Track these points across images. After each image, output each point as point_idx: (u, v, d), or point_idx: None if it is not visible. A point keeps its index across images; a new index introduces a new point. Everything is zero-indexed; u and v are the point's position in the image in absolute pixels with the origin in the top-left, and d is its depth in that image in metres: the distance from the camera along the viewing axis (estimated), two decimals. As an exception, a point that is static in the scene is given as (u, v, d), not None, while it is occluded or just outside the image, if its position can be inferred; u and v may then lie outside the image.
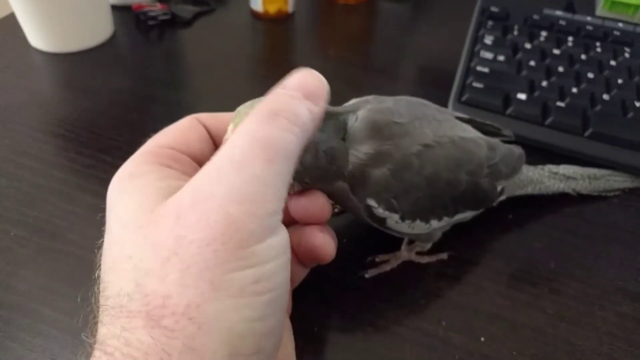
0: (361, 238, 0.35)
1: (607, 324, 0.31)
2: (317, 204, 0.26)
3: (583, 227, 0.37)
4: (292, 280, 0.29)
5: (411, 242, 0.34)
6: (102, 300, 0.20)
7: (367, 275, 0.32)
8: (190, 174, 0.24)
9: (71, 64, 0.51)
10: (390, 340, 0.29)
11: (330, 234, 0.27)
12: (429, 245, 0.33)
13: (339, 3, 0.63)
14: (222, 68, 0.51)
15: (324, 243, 0.26)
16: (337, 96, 0.30)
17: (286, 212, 0.27)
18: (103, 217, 0.22)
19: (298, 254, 0.27)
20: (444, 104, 0.44)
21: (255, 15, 0.60)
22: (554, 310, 0.31)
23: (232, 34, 0.57)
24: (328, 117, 0.25)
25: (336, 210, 0.36)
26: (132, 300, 0.19)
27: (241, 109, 0.25)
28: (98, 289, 0.21)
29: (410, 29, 0.60)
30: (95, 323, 0.20)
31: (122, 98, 0.47)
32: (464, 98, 0.44)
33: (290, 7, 0.60)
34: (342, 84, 0.48)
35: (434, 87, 0.49)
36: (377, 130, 0.27)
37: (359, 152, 0.26)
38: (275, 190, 0.20)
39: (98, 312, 0.20)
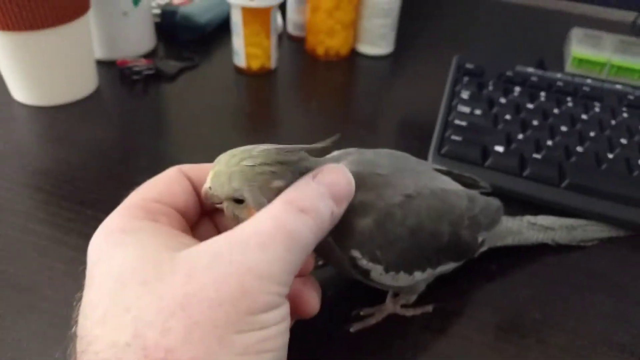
0: (346, 290, 0.34)
1: (595, 375, 0.30)
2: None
3: (565, 276, 0.37)
4: None
5: (396, 294, 0.33)
6: (87, 356, 0.19)
7: (352, 329, 0.32)
8: (178, 228, 0.24)
9: (54, 117, 0.51)
10: (378, 397, 0.28)
11: (314, 287, 0.27)
12: (414, 298, 0.33)
13: (320, 60, 0.66)
14: (205, 121, 0.52)
15: (308, 299, 0.26)
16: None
17: None
18: (84, 270, 0.22)
19: None
20: (424, 156, 0.45)
21: (238, 70, 0.61)
22: (541, 363, 0.31)
23: (216, 88, 0.58)
24: (311, 166, 0.26)
25: (320, 262, 0.36)
26: (128, 352, 0.18)
27: (221, 157, 0.25)
28: (74, 346, 0.20)
29: (390, 84, 0.62)
30: None
31: (105, 150, 0.47)
32: (443, 150, 0.45)
33: (272, 63, 0.61)
34: (324, 137, 0.49)
35: (414, 140, 0.50)
36: (360, 181, 0.27)
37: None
38: (288, 274, 0.22)
39: None
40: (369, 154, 0.29)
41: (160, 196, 0.25)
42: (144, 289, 0.20)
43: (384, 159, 0.29)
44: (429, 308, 0.33)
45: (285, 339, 0.23)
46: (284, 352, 0.22)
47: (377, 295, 0.33)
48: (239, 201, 0.25)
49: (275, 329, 0.21)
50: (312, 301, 0.27)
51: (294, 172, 0.25)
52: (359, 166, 0.28)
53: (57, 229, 0.37)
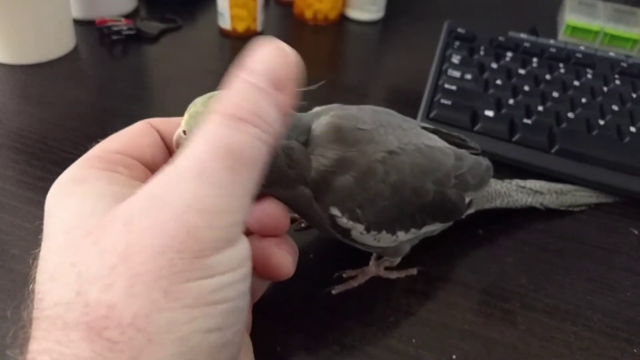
0: (328, 253, 0.33)
1: (580, 339, 0.30)
2: (272, 214, 0.25)
3: (553, 243, 0.36)
4: (252, 294, 0.27)
5: (379, 257, 0.32)
6: (36, 313, 0.18)
7: (334, 292, 0.31)
8: (141, 180, 0.23)
9: (29, 76, 0.49)
10: (358, 359, 0.28)
11: (289, 249, 0.25)
12: (397, 260, 0.32)
13: (308, 24, 0.64)
14: (187, 84, 0.50)
15: (280, 261, 0.24)
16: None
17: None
18: (41, 224, 0.21)
19: (255, 268, 0.26)
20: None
21: (223, 33, 0.59)
22: (526, 327, 0.30)
23: (199, 51, 0.56)
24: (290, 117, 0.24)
25: (302, 225, 0.35)
26: (69, 310, 0.17)
27: (197, 100, 0.24)
28: (31, 302, 0.19)
29: (380, 50, 0.61)
30: (27, 338, 0.18)
31: (81, 111, 0.45)
32: (432, 114, 0.43)
33: (259, 26, 0.59)
34: (311, 103, 0.48)
35: (403, 105, 0.49)
36: (341, 135, 0.26)
37: (323, 157, 0.25)
38: (239, 201, 0.19)
39: (30, 326, 0.18)
40: (352, 109, 0.28)
41: (124, 147, 0.23)
42: (88, 242, 0.18)
43: (368, 114, 0.28)
44: (414, 271, 0.33)
45: (244, 287, 0.20)
46: (241, 302, 0.20)
47: (361, 257, 0.32)
48: None
49: (231, 276, 0.19)
50: (285, 263, 0.24)
51: None
52: (341, 120, 0.26)
53: (27, 188, 0.36)
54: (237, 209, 0.19)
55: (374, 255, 0.32)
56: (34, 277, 0.20)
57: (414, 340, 0.29)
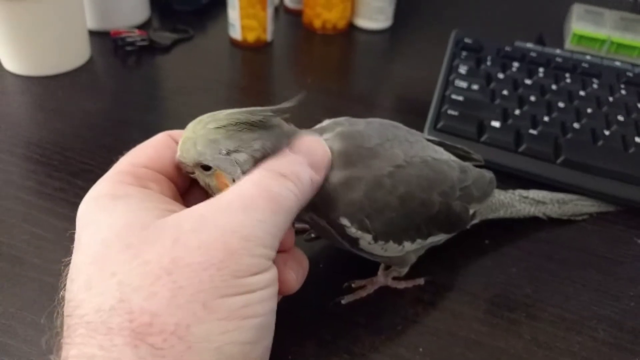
0: (338, 263, 0.34)
1: (584, 349, 0.30)
2: None
3: (558, 252, 0.37)
4: None
5: (388, 267, 0.33)
6: (72, 320, 0.19)
7: (343, 301, 0.32)
8: (168, 194, 0.24)
9: (45, 88, 0.50)
10: (367, 367, 0.29)
11: (295, 265, 0.26)
12: (405, 270, 0.33)
13: (317, 33, 0.65)
14: (199, 94, 0.51)
15: (285, 277, 0.25)
16: (315, 123, 0.31)
17: None
18: (72, 234, 0.22)
19: None
20: (420, 130, 0.44)
21: (234, 43, 0.60)
22: (531, 336, 0.31)
23: (211, 61, 0.57)
24: (289, 134, 0.26)
25: (312, 235, 0.36)
26: (113, 316, 0.18)
27: (190, 124, 0.25)
28: (62, 309, 0.20)
29: (388, 59, 0.61)
30: (61, 346, 0.19)
31: (96, 121, 0.46)
32: (439, 125, 0.44)
33: (269, 36, 0.60)
34: (320, 112, 0.49)
35: (411, 115, 0.50)
36: (347, 157, 0.27)
37: (328, 179, 0.26)
38: (273, 237, 0.22)
39: (64, 333, 0.19)
40: (358, 124, 0.29)
41: (150, 162, 0.25)
42: (129, 254, 0.19)
43: (374, 129, 0.29)
44: (421, 281, 0.33)
45: (271, 305, 0.22)
46: (270, 319, 0.22)
47: (369, 267, 0.33)
48: (207, 168, 0.24)
49: (261, 294, 0.21)
50: (288, 280, 0.26)
51: (267, 137, 0.24)
52: (346, 140, 0.27)
53: (47, 199, 0.37)
54: (270, 243, 0.22)
55: (382, 265, 0.33)
56: (64, 285, 0.21)
57: (421, 349, 0.30)
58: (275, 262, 0.25)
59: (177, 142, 0.26)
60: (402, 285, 0.33)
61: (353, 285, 0.33)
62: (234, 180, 0.24)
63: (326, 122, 0.30)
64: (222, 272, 0.20)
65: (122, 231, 0.20)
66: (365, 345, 0.30)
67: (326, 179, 0.26)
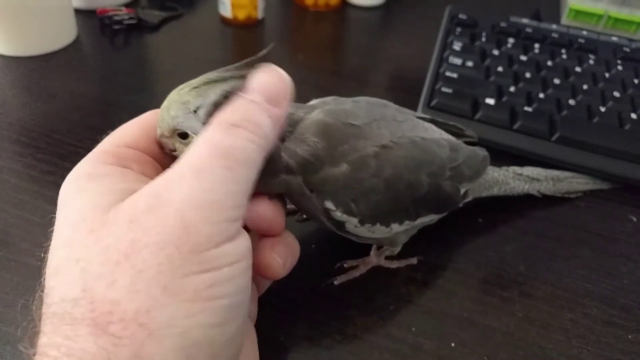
0: (330, 244, 0.34)
1: (577, 326, 0.30)
2: (265, 217, 0.25)
3: (552, 230, 0.37)
4: (257, 287, 0.27)
5: (380, 247, 0.33)
6: (44, 308, 0.19)
7: (336, 282, 0.32)
8: (151, 175, 0.23)
9: (31, 68, 0.49)
10: (359, 347, 0.28)
11: (282, 250, 0.25)
12: (397, 249, 0.32)
13: (309, 10, 0.63)
14: (189, 74, 0.49)
15: (268, 262, 0.25)
16: (305, 102, 0.30)
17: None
18: (53, 218, 0.21)
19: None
20: (413, 108, 0.44)
21: (224, 21, 0.59)
22: (524, 314, 0.31)
23: (201, 39, 0.56)
24: None
25: (304, 216, 0.35)
26: (77, 307, 0.18)
27: (172, 94, 0.24)
28: (41, 296, 0.20)
29: (381, 36, 0.60)
30: (36, 332, 0.19)
31: (84, 103, 0.45)
32: (433, 103, 0.44)
33: (259, 14, 0.59)
34: (312, 91, 0.48)
35: (404, 93, 0.49)
36: (329, 132, 0.26)
37: (306, 145, 0.25)
38: (235, 198, 0.20)
39: (39, 320, 0.19)
40: (346, 103, 0.28)
41: (135, 141, 0.24)
42: (91, 238, 0.19)
43: (361, 108, 0.28)
44: (414, 260, 0.33)
45: (242, 282, 0.20)
46: (241, 297, 0.21)
47: (362, 247, 0.33)
48: (184, 136, 0.23)
49: (228, 271, 0.19)
50: (273, 265, 0.25)
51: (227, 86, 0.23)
52: (332, 116, 0.26)
53: (34, 182, 0.36)
54: (233, 206, 0.20)
55: (375, 245, 0.33)
56: (45, 271, 0.20)
57: (413, 329, 0.30)
58: (261, 246, 0.25)
59: None
60: (394, 265, 0.33)
61: (345, 265, 0.32)
62: None
63: (313, 102, 0.29)
64: (181, 250, 0.18)
65: (88, 214, 0.19)
66: (357, 325, 0.29)
67: (304, 143, 0.25)
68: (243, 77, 0.23)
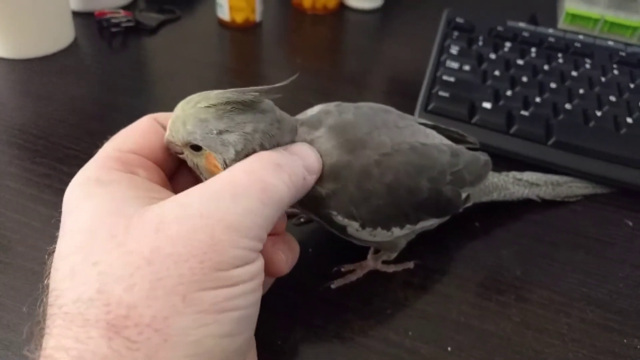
0: (327, 247, 0.34)
1: (573, 330, 0.31)
2: None
3: (548, 234, 0.37)
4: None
5: (377, 251, 0.33)
6: (52, 310, 0.19)
7: (333, 286, 0.32)
8: (156, 181, 0.24)
9: (29, 71, 0.49)
10: (356, 352, 0.28)
11: (285, 248, 0.26)
12: (395, 254, 0.33)
13: (307, 13, 0.63)
14: (187, 77, 0.50)
15: (272, 258, 0.25)
16: (305, 105, 0.30)
17: None
18: (58, 221, 0.21)
19: None
20: (411, 112, 0.44)
21: (222, 23, 0.59)
22: (520, 318, 0.31)
23: (199, 42, 0.56)
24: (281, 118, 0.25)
25: (302, 219, 0.35)
26: (91, 307, 0.18)
27: (180, 103, 0.24)
28: (46, 298, 0.20)
29: (378, 39, 0.61)
30: (42, 335, 0.19)
31: (81, 105, 0.45)
32: (430, 107, 0.44)
33: (257, 16, 0.59)
34: (310, 94, 0.48)
35: (402, 97, 0.49)
36: (338, 173, 0.26)
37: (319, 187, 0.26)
38: (260, 229, 0.21)
39: (45, 323, 0.19)
40: (349, 111, 0.28)
41: (137, 147, 0.24)
42: (112, 243, 0.19)
43: (363, 116, 0.28)
44: (410, 265, 0.33)
45: (255, 297, 0.22)
46: (252, 311, 0.22)
47: (359, 251, 0.33)
48: (197, 148, 0.24)
49: (243, 287, 0.20)
50: (278, 261, 0.26)
51: (260, 121, 0.24)
52: (338, 135, 0.27)
53: (32, 185, 0.36)
54: (258, 235, 0.21)
55: (372, 249, 0.33)
56: (49, 273, 0.20)
57: (410, 333, 0.30)
58: (264, 244, 0.25)
59: (162, 126, 0.26)
60: (391, 269, 0.33)
61: (343, 269, 0.32)
62: (225, 162, 0.23)
63: (316, 108, 0.29)
64: (204, 265, 0.19)
65: (107, 219, 0.20)
66: (354, 329, 0.30)
67: (324, 189, 0.26)
68: (261, 102, 0.24)
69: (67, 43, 0.53)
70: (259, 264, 0.22)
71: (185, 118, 0.23)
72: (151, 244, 0.19)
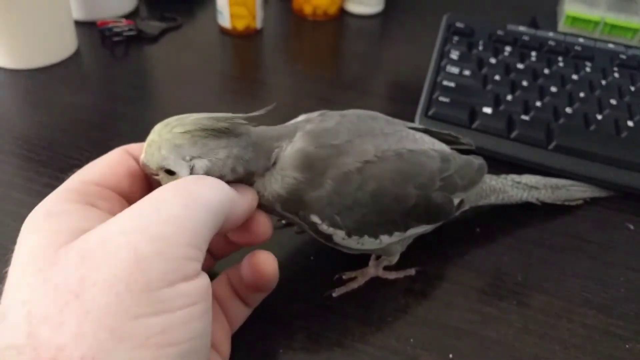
0: (328, 255, 0.34)
1: (574, 336, 0.31)
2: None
3: (549, 238, 0.37)
4: (232, 322, 0.27)
5: (378, 257, 0.33)
6: None
7: (334, 294, 0.32)
8: (117, 212, 0.22)
9: (32, 81, 0.49)
10: (357, 359, 0.29)
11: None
12: (395, 259, 0.33)
13: (308, 19, 0.64)
14: (189, 84, 0.51)
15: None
16: (307, 112, 0.30)
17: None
18: (10, 257, 0.20)
19: (240, 290, 0.27)
20: (411, 118, 0.44)
21: (223, 31, 0.60)
22: (521, 324, 0.31)
23: (200, 50, 0.57)
24: (261, 140, 0.26)
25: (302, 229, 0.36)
26: (20, 354, 0.16)
27: (156, 126, 0.24)
28: None
29: (379, 45, 0.61)
30: None
31: (84, 115, 0.45)
32: (430, 112, 0.44)
33: (258, 24, 0.59)
34: (311, 100, 0.48)
35: (402, 102, 0.49)
36: (309, 164, 0.26)
37: (288, 177, 0.26)
38: (192, 237, 0.19)
39: None
40: (330, 120, 0.28)
41: (102, 179, 0.23)
42: (39, 278, 0.18)
43: (345, 125, 0.28)
44: (412, 271, 0.33)
45: (201, 326, 0.19)
46: (199, 343, 0.19)
47: (360, 259, 0.33)
48: (171, 172, 0.24)
49: (183, 314, 0.18)
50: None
51: (234, 145, 0.24)
52: (312, 141, 0.27)
53: (36, 196, 0.37)
54: (190, 244, 0.19)
55: (373, 255, 0.33)
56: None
57: (412, 340, 0.30)
58: (250, 255, 0.26)
59: (134, 157, 0.25)
60: (392, 276, 0.33)
61: (344, 277, 0.33)
62: None
63: (300, 118, 0.29)
64: (131, 288, 0.17)
65: (38, 253, 0.18)
66: (355, 337, 0.30)
67: (287, 175, 0.26)
68: (236, 131, 0.24)
69: (70, 53, 0.53)
70: (199, 283, 0.19)
71: (161, 143, 0.24)
72: (77, 274, 0.17)
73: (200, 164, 0.23)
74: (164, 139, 0.24)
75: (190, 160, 0.23)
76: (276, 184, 0.26)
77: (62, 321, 0.17)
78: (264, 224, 0.26)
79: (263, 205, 0.27)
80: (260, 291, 0.27)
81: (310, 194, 0.26)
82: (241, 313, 0.27)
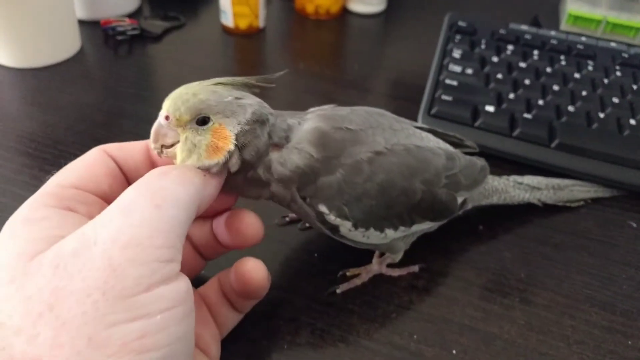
0: (332, 252, 0.34)
1: (577, 332, 0.31)
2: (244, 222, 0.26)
3: (552, 236, 0.37)
4: (221, 327, 0.27)
5: (382, 254, 0.33)
6: None
7: (338, 291, 0.32)
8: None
9: (36, 80, 0.50)
10: (361, 355, 0.29)
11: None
12: (399, 256, 0.33)
13: (310, 18, 0.64)
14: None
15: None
16: (307, 109, 0.30)
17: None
18: None
19: (230, 296, 0.26)
20: (414, 116, 0.44)
21: (226, 30, 0.60)
22: (524, 321, 0.31)
23: (203, 49, 0.57)
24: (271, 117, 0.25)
25: (307, 224, 0.36)
26: None
27: (174, 91, 0.24)
28: None
29: (381, 43, 0.61)
30: None
31: (88, 113, 0.46)
32: (433, 111, 0.44)
33: (261, 22, 0.60)
34: (313, 98, 0.48)
35: (405, 101, 0.49)
36: (324, 140, 0.26)
37: (302, 154, 0.26)
38: (166, 237, 0.19)
39: None
40: (343, 110, 0.29)
41: (80, 181, 0.23)
42: (12, 289, 0.17)
43: (358, 116, 0.28)
44: (415, 268, 0.33)
45: (182, 330, 0.19)
46: (181, 347, 0.19)
47: (364, 255, 0.33)
48: (204, 122, 0.23)
49: (163, 318, 0.18)
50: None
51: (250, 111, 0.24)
52: (327, 121, 0.27)
53: (41, 193, 0.37)
54: (164, 245, 0.19)
55: (377, 252, 0.33)
56: None
57: (415, 336, 0.30)
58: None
59: (112, 158, 0.24)
60: (396, 272, 0.33)
61: (348, 273, 0.33)
62: (239, 125, 0.23)
63: (311, 110, 0.29)
64: (108, 296, 0.17)
65: (12, 262, 0.18)
66: (359, 333, 0.30)
67: (300, 152, 0.26)
68: (253, 87, 0.25)
69: (74, 52, 0.54)
70: (178, 286, 0.19)
71: (195, 91, 0.23)
72: (51, 285, 0.17)
73: (248, 100, 0.24)
74: (197, 89, 0.23)
75: (235, 99, 0.23)
76: (295, 156, 0.25)
77: (36, 333, 0.16)
78: (253, 226, 0.25)
79: (274, 195, 0.26)
80: (249, 299, 0.27)
81: (321, 178, 0.26)
82: (231, 319, 0.27)
